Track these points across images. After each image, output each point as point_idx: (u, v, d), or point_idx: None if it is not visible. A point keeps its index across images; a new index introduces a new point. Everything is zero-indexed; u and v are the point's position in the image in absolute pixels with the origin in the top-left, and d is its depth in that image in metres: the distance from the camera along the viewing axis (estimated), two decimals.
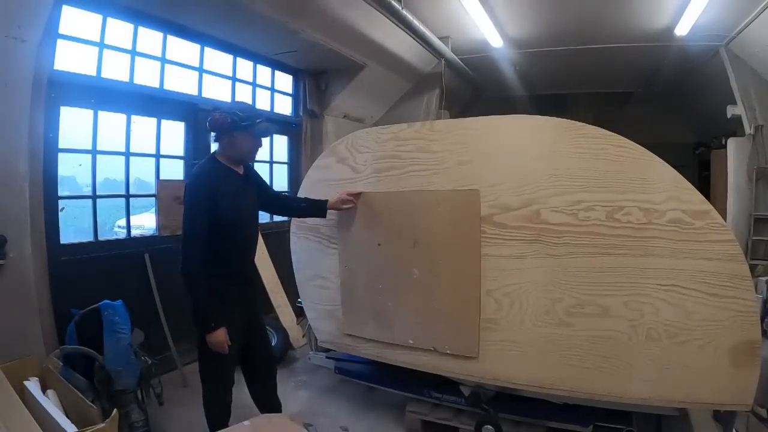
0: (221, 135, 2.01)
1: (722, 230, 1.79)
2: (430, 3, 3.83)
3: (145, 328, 2.57)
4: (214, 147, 2.08)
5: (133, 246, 3.11)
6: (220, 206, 1.93)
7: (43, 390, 1.93)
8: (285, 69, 4.51)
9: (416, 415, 2.48)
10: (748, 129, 4.30)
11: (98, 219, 2.94)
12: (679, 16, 3.88)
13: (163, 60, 3.29)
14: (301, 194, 2.63)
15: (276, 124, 2.05)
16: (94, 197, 2.93)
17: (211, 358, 1.96)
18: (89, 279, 2.71)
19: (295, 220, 2.73)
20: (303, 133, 4.64)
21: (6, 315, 2.13)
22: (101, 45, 2.86)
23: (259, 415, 2.06)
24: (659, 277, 1.85)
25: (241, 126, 1.97)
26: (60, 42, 2.58)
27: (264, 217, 4.41)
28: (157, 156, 3.32)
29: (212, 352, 1.93)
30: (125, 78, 3.03)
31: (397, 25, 3.61)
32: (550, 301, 2.02)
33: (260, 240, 3.98)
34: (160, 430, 2.40)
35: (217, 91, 3.77)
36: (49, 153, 2.53)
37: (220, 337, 1.90)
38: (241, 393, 2.18)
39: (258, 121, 2.02)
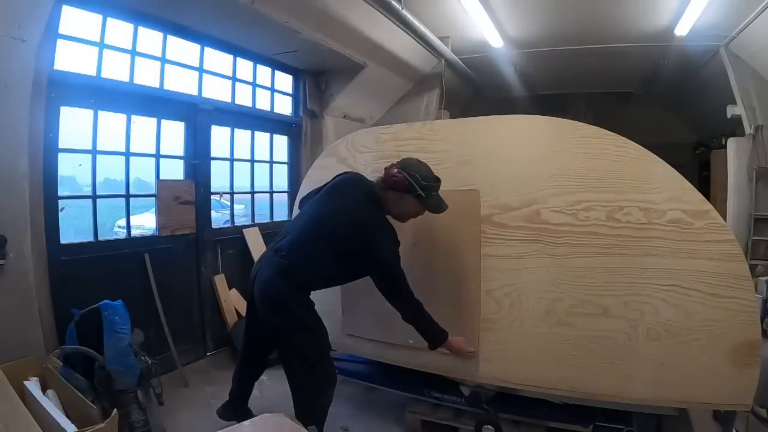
0: (392, 191, 2.00)
1: (722, 230, 1.79)
2: (430, 3, 3.83)
3: (145, 328, 2.57)
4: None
5: (133, 246, 3.11)
6: None
7: (43, 390, 1.94)
8: (285, 69, 4.50)
9: (416, 415, 2.48)
10: (748, 129, 4.29)
11: (98, 219, 2.93)
12: (678, 17, 3.88)
13: (163, 60, 3.28)
14: (301, 194, 2.62)
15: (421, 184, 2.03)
16: (94, 197, 2.93)
17: (328, 360, 2.09)
18: (89, 279, 2.71)
19: None
20: (303, 133, 4.63)
21: (6, 315, 2.12)
22: (101, 45, 2.85)
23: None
24: (659, 277, 1.86)
25: (417, 193, 1.97)
26: (60, 42, 2.57)
27: (265, 217, 4.42)
28: (157, 156, 3.31)
29: (327, 354, 2.10)
30: (125, 78, 3.03)
31: (397, 25, 3.61)
32: (550, 301, 2.03)
33: (260, 240, 4.03)
34: (160, 430, 2.40)
35: (217, 91, 3.77)
36: (49, 153, 2.52)
37: (460, 342, 2.08)
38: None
39: (433, 193, 2.01)
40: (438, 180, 2.05)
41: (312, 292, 2.13)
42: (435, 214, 2.11)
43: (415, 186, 1.95)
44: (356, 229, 1.93)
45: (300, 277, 2.00)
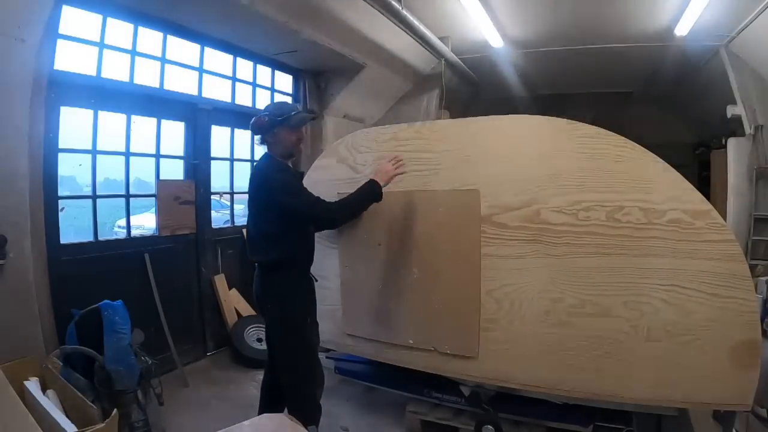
0: (265, 135, 2.10)
1: (722, 230, 1.79)
2: (430, 3, 3.83)
3: (145, 328, 2.57)
4: (259, 150, 2.22)
5: (133, 246, 3.11)
6: None
7: (43, 390, 1.94)
8: (285, 69, 4.51)
9: (416, 415, 2.48)
10: (748, 129, 4.29)
11: (98, 219, 2.94)
12: (678, 17, 3.88)
13: (163, 60, 3.28)
14: None
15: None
16: (94, 197, 2.93)
17: (312, 355, 2.11)
18: (89, 279, 2.71)
19: None
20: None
21: (6, 315, 2.12)
22: (101, 45, 2.86)
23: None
24: (659, 277, 1.86)
25: (278, 121, 2.05)
26: (60, 42, 2.57)
27: None
28: (157, 156, 3.31)
29: (314, 354, 2.11)
30: (125, 78, 3.03)
31: (397, 25, 3.60)
32: (550, 301, 2.03)
33: None
34: (160, 430, 2.40)
35: (217, 91, 3.77)
36: (49, 153, 2.53)
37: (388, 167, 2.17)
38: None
39: (293, 113, 2.10)
40: (290, 104, 2.25)
41: (312, 291, 2.14)
42: (432, 213, 2.11)
43: (274, 117, 2.06)
44: (263, 181, 2.08)
45: (271, 265, 2.06)
